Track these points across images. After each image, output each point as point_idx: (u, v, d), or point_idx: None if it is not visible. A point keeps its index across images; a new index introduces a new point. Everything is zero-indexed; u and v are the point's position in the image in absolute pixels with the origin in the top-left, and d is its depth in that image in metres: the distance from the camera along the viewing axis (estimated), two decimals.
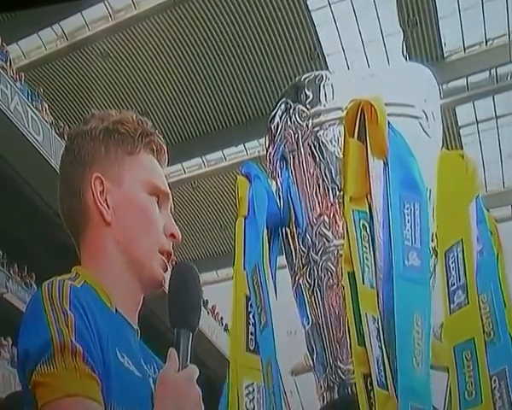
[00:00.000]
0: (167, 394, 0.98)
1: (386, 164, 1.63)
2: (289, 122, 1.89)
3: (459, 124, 18.41)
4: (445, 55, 17.48)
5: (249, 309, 1.82)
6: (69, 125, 16.13)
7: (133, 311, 1.11)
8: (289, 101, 1.91)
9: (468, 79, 17.68)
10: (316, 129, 1.84)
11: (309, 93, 1.86)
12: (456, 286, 1.64)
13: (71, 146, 1.14)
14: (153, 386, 1.02)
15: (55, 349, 0.93)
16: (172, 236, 1.13)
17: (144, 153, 1.14)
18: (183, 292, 1.05)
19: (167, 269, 1.12)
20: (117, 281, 1.08)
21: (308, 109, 1.86)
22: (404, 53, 16.94)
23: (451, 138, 17.24)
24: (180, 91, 18.99)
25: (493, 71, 17.48)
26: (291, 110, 1.88)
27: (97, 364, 0.95)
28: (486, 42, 17.13)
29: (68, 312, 0.96)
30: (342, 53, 17.72)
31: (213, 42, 17.61)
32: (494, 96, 17.86)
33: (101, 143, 1.12)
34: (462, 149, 13.91)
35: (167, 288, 1.07)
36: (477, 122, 18.45)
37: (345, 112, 1.70)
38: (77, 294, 0.99)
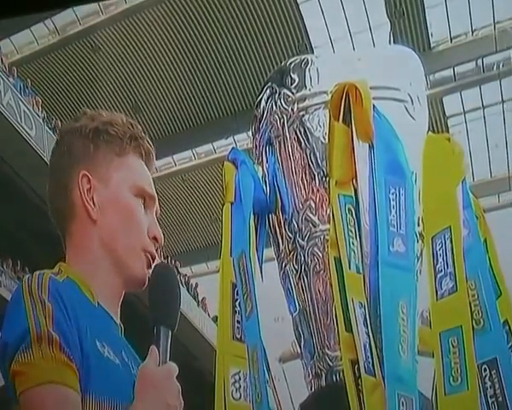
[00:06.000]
0: (147, 387, 0.98)
1: (371, 147, 1.62)
2: (275, 107, 1.87)
3: (446, 114, 18.48)
4: (431, 46, 17.52)
5: (235, 297, 1.81)
6: (61, 120, 16.04)
7: (115, 306, 1.12)
8: (275, 85, 1.89)
9: (455, 68, 17.74)
10: (301, 114, 1.83)
11: (294, 77, 1.85)
12: (443, 273, 1.63)
13: (61, 142, 1.16)
14: (134, 377, 1.02)
15: (32, 338, 0.94)
16: (155, 238, 1.14)
17: (133, 156, 1.16)
18: (162, 291, 1.06)
19: (150, 268, 1.12)
20: (100, 278, 1.09)
21: (293, 94, 1.84)
22: (391, 43, 16.95)
23: (439, 128, 17.29)
24: (170, 84, 18.92)
25: (479, 61, 17.55)
26: (276, 95, 1.87)
27: (75, 353, 0.96)
28: (473, 32, 17.18)
29: (46, 302, 0.97)
30: (330, 45, 17.72)
31: (203, 35, 17.55)
32: (481, 86, 17.94)
33: (91, 141, 1.13)
34: None
35: (149, 285, 1.08)
36: (464, 112, 18.53)
37: (330, 96, 1.68)
38: (57, 286, 1.00)
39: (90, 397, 0.96)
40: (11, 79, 14.15)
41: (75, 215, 1.11)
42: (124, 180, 1.13)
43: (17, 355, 0.94)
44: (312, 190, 1.81)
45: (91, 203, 1.10)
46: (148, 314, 1.05)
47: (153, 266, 1.11)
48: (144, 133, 1.21)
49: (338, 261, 1.60)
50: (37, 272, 1.03)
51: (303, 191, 1.83)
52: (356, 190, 1.66)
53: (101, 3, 16.77)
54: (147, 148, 1.18)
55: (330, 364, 1.80)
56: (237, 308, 1.80)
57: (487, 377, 1.57)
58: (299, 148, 1.84)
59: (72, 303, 1.00)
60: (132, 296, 1.16)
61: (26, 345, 0.94)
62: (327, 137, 1.71)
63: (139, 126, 1.19)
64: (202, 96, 19.59)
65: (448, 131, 17.45)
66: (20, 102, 13.62)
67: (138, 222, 1.12)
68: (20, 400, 0.94)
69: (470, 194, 1.75)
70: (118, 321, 1.12)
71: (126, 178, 1.13)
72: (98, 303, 1.07)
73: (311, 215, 1.81)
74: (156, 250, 1.16)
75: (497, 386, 1.56)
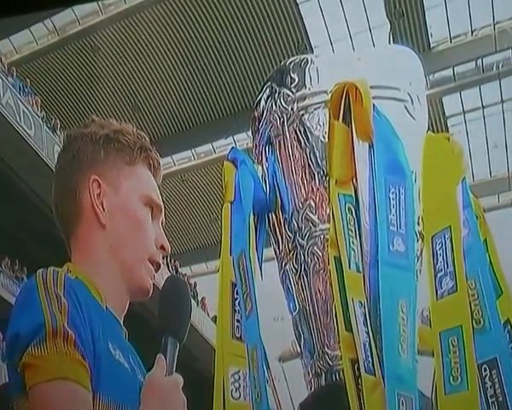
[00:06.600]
0: (154, 396, 0.98)
1: (371, 147, 1.62)
2: (274, 106, 1.87)
3: (446, 114, 18.47)
4: (431, 46, 17.51)
5: (235, 296, 1.81)
6: (61, 119, 16.04)
7: (120, 313, 1.12)
8: (274, 85, 1.89)
9: (455, 69, 17.73)
10: (301, 113, 1.83)
11: (294, 76, 1.84)
12: (443, 272, 1.63)
13: (69, 146, 1.16)
14: (140, 383, 1.02)
15: (47, 333, 0.93)
16: (162, 248, 1.15)
17: (142, 166, 1.17)
18: (176, 303, 1.07)
19: (154, 278, 1.13)
20: (106, 282, 1.09)
21: (293, 93, 1.84)
22: (391, 44, 16.96)
23: (439, 128, 17.28)
24: (169, 84, 18.92)
25: (479, 61, 17.54)
26: (276, 94, 1.87)
27: (88, 352, 0.96)
28: (472, 32, 17.18)
29: (62, 298, 0.97)
30: (330, 45, 17.71)
31: (202, 35, 17.55)
32: (480, 86, 17.93)
33: (101, 147, 1.14)
34: None
35: (160, 296, 1.08)
36: (464, 112, 18.52)
37: (330, 95, 1.68)
38: (71, 283, 1.01)
39: (98, 398, 0.96)
40: (10, 79, 14.16)
41: (82, 219, 1.11)
42: (133, 189, 1.13)
43: (30, 348, 0.93)
44: (312, 190, 1.81)
45: (101, 208, 1.10)
46: (157, 324, 1.05)
47: (166, 278, 1.11)
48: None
49: (338, 261, 1.60)
50: (51, 268, 1.02)
51: (303, 191, 1.83)
52: (356, 190, 1.65)
53: (100, 3, 16.77)
54: (155, 159, 1.19)
55: (330, 363, 1.80)
56: (237, 308, 1.80)
57: (487, 377, 1.57)
58: (298, 147, 1.84)
59: (86, 301, 1.00)
60: (136, 303, 1.17)
61: (40, 338, 0.93)
62: (327, 137, 1.71)
63: (147, 138, 1.19)
64: (202, 96, 19.58)
65: (448, 131, 17.44)
66: (20, 102, 13.63)
67: (146, 230, 1.13)
68: (29, 393, 0.93)
69: (470, 193, 1.75)
70: (123, 326, 1.13)
71: (136, 187, 1.14)
72: (106, 307, 1.07)
73: (310, 214, 1.81)
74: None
75: (497, 386, 1.56)
